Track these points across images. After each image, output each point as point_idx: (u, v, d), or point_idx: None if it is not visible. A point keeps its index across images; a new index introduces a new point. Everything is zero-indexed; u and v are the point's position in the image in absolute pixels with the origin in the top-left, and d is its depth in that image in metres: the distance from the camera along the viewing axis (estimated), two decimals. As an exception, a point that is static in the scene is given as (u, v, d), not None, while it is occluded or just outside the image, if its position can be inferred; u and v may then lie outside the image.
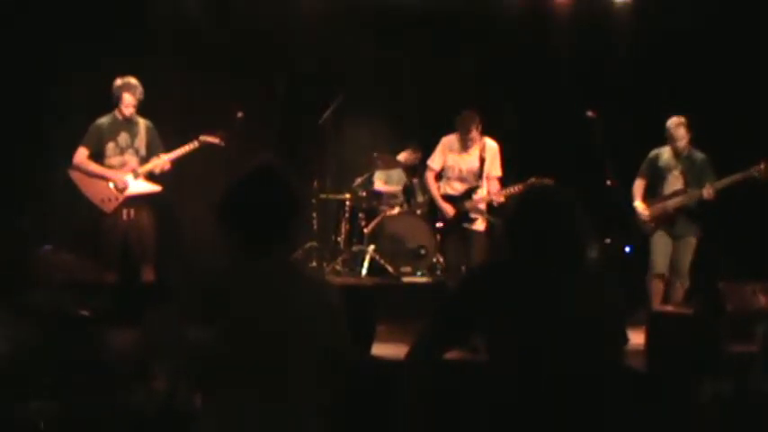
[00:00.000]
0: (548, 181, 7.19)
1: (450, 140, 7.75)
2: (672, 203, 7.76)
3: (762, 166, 7.44)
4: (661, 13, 9.61)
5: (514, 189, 7.46)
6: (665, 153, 7.87)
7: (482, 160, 7.65)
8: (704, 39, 9.17)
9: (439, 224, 7.94)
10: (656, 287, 7.81)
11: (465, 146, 7.64)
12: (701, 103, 8.30)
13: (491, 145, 7.71)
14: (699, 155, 7.80)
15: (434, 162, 7.81)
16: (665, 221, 7.82)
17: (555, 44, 10.26)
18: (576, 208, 3.08)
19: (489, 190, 7.69)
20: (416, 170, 9.94)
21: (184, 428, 2.90)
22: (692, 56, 9.26)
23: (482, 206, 7.70)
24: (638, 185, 7.96)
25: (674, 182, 7.82)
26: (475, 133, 7.58)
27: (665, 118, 7.89)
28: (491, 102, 8.64)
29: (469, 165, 7.68)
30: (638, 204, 7.90)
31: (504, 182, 7.76)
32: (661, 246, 7.84)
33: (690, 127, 7.73)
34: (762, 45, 8.93)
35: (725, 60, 9.08)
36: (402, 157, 10.05)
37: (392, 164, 10.02)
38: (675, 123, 7.75)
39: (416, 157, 9.95)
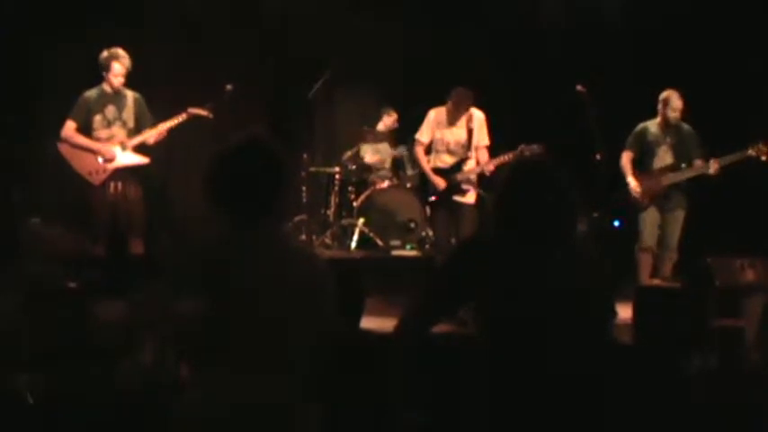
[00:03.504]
0: (537, 148, 7.28)
1: (438, 113, 7.72)
2: (668, 178, 7.74)
3: (761, 146, 7.43)
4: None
5: (505, 158, 7.44)
6: (653, 126, 7.86)
7: (470, 131, 7.62)
8: (696, 14, 9.16)
9: (432, 198, 7.90)
10: (645, 260, 7.81)
11: (454, 120, 7.63)
12: (691, 78, 8.28)
13: (477, 115, 7.67)
14: (687, 128, 7.80)
15: (423, 135, 7.78)
16: (659, 196, 7.80)
17: (545, 17, 10.23)
18: (565, 181, 3.08)
19: (479, 160, 7.66)
20: (396, 135, 9.98)
21: (171, 401, 2.90)
22: (684, 31, 9.24)
23: (473, 177, 7.68)
24: (627, 160, 7.92)
25: (664, 156, 7.80)
26: (467, 110, 7.59)
27: (653, 92, 7.88)
28: (481, 75, 8.62)
29: (457, 137, 7.66)
30: (631, 181, 7.86)
31: (493, 153, 7.75)
32: (650, 219, 7.83)
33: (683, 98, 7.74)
34: (755, 23, 8.91)
35: (715, 35, 9.06)
36: (381, 126, 10.07)
37: (380, 137, 10.02)
38: (670, 93, 7.73)
39: (393, 120, 10.00)
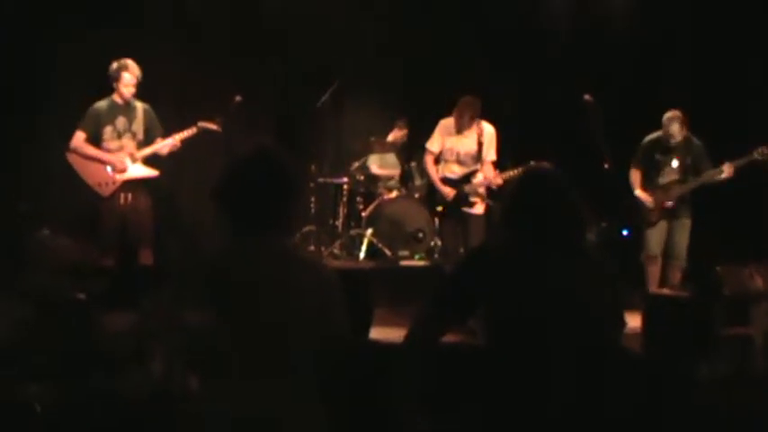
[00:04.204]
0: (546, 164, 7.27)
1: (446, 123, 7.75)
2: (676, 191, 7.72)
3: (764, 149, 7.41)
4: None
5: (513, 173, 7.45)
6: (661, 142, 7.81)
7: (480, 144, 7.65)
8: (697, 16, 9.17)
9: (439, 207, 7.91)
10: (652, 269, 7.80)
11: (461, 129, 7.64)
12: (692, 80, 8.28)
13: (488, 129, 7.70)
14: (695, 143, 7.75)
15: (433, 145, 7.80)
16: (668, 209, 7.77)
17: (552, 27, 10.25)
18: (573, 190, 3.08)
19: (485, 174, 7.67)
20: (406, 148, 9.97)
21: (179, 410, 2.90)
22: (686, 34, 9.25)
23: (481, 190, 7.69)
24: (635, 174, 7.90)
25: (671, 172, 7.77)
26: (473, 119, 7.60)
27: (661, 101, 7.87)
28: (487, 85, 8.62)
29: (467, 148, 7.68)
30: (640, 194, 7.84)
31: (500, 165, 7.76)
32: (656, 227, 7.82)
33: (685, 120, 7.67)
34: (760, 29, 8.91)
35: (716, 37, 9.05)
36: (391, 137, 10.06)
37: (388, 147, 10.02)
38: (669, 119, 7.66)
39: (404, 134, 9.99)
